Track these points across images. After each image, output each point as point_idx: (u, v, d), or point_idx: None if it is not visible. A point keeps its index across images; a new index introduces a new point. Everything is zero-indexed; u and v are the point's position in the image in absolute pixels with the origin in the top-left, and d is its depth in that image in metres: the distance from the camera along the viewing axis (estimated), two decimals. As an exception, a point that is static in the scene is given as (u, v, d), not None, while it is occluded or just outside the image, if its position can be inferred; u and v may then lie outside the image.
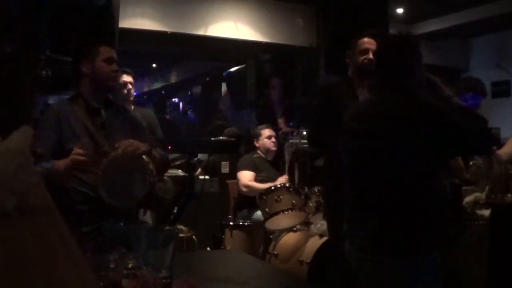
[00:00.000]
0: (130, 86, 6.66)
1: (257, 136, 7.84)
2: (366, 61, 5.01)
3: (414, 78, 3.72)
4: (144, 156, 3.82)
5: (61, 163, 3.65)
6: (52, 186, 3.58)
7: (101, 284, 2.21)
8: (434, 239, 3.55)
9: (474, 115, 3.80)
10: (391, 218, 3.51)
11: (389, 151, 3.55)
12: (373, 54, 4.74)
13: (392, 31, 9.50)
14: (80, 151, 3.66)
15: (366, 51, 5.06)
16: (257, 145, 7.82)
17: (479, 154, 4.54)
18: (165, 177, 5.31)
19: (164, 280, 2.13)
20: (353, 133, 3.79)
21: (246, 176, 7.47)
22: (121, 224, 2.64)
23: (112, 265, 2.29)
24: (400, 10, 11.47)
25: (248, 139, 8.58)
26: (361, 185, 3.73)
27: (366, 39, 5.13)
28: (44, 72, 4.29)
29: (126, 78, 6.66)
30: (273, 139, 7.81)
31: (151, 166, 3.83)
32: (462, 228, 5.94)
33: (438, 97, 3.95)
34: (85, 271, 1.24)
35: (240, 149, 8.28)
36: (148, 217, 5.83)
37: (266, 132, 7.81)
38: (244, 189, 7.41)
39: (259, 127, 8.07)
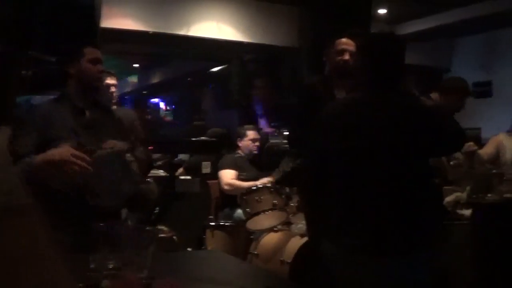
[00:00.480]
0: (113, 89, 6.65)
1: (242, 136, 7.82)
2: (341, 62, 4.99)
3: (399, 76, 3.78)
4: (128, 155, 3.83)
5: (39, 158, 3.64)
6: (35, 186, 3.60)
7: (82, 284, 2.21)
8: (427, 237, 3.56)
9: (458, 126, 3.83)
10: (383, 218, 3.52)
11: (384, 150, 3.56)
12: (350, 55, 4.81)
13: (374, 31, 9.53)
14: (80, 154, 3.66)
15: (342, 51, 5.02)
16: (239, 144, 7.80)
17: (448, 154, 4.57)
18: (147, 179, 5.30)
19: (145, 281, 2.13)
20: (342, 132, 3.75)
21: (228, 175, 7.46)
22: (102, 224, 2.65)
23: (92, 266, 2.29)
24: (383, 11, 11.50)
25: (230, 139, 8.58)
26: (352, 185, 3.69)
27: (344, 40, 5.10)
28: (26, 71, 4.29)
29: (110, 80, 6.65)
30: (257, 143, 7.80)
31: (135, 166, 3.84)
32: (444, 228, 5.97)
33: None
34: (63, 273, 1.24)
35: (223, 150, 8.28)
36: (129, 217, 5.83)
37: (251, 134, 7.79)
38: (226, 187, 7.39)
39: (246, 127, 8.02)
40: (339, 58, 5.02)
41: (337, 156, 3.77)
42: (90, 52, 4.16)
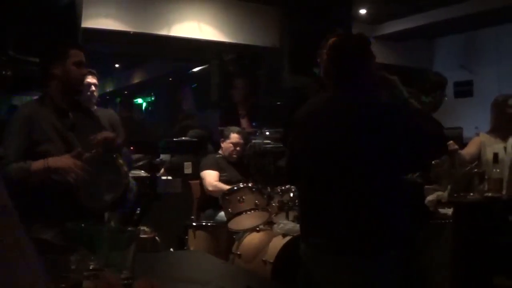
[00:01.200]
0: (93, 88, 6.62)
1: (225, 137, 7.77)
2: None
3: (366, 77, 3.75)
4: (115, 156, 3.85)
5: (39, 165, 3.70)
6: (19, 187, 3.62)
7: (63, 285, 2.20)
8: (394, 238, 3.57)
9: (430, 118, 3.82)
10: (349, 217, 3.54)
11: (343, 151, 3.58)
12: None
13: (355, 31, 9.54)
14: (82, 165, 3.71)
15: None
16: (222, 145, 7.78)
17: (432, 159, 4.56)
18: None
19: (125, 281, 2.12)
20: (309, 133, 3.81)
21: (211, 176, 7.43)
22: (83, 225, 2.63)
23: (73, 266, 2.28)
24: (363, 11, 11.52)
25: (210, 140, 8.57)
26: (319, 186, 3.73)
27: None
28: (5, 72, 4.28)
29: (91, 79, 6.62)
30: (238, 148, 7.74)
31: (125, 167, 3.86)
32: (424, 227, 5.98)
33: (395, 97, 3.95)
34: (38, 275, 1.23)
35: (207, 149, 8.27)
36: (111, 218, 5.81)
37: (235, 137, 7.71)
38: (210, 188, 7.36)
39: (231, 128, 7.92)
40: None
41: (303, 157, 3.84)
42: (75, 55, 4.17)
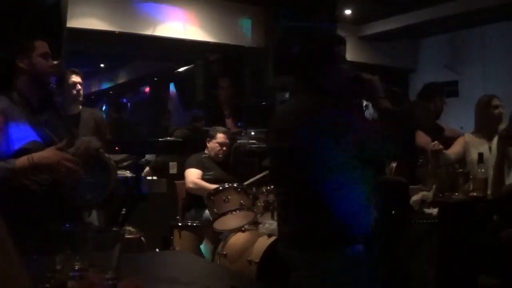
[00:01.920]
0: (79, 87, 6.61)
1: (211, 137, 7.77)
2: None
3: (329, 79, 3.79)
4: (101, 150, 3.82)
5: (24, 162, 3.61)
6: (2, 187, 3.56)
7: (48, 285, 2.20)
8: (352, 235, 3.64)
9: (401, 118, 3.81)
10: (308, 214, 3.66)
11: (300, 150, 3.67)
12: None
13: (340, 32, 9.56)
14: (73, 158, 3.65)
15: None
16: (207, 144, 7.78)
17: (400, 161, 4.59)
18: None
19: (110, 282, 2.12)
20: (272, 133, 3.98)
21: (193, 174, 7.44)
22: (67, 225, 2.62)
23: (58, 267, 2.28)
24: (348, 11, 11.52)
25: (195, 139, 8.56)
26: (282, 184, 3.90)
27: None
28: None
29: (75, 78, 6.60)
30: (224, 148, 7.74)
31: (113, 162, 3.84)
32: (409, 226, 6.01)
33: (369, 96, 3.96)
34: (21, 275, 1.23)
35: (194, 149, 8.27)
36: (94, 218, 5.80)
37: (220, 137, 7.72)
38: (190, 186, 7.37)
39: (217, 128, 7.93)
40: None
41: (269, 157, 4.16)
42: (41, 46, 4.06)
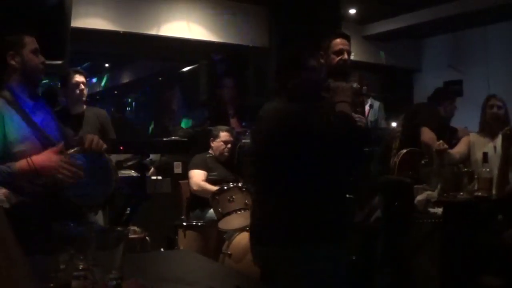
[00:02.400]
0: (82, 86, 6.61)
1: (215, 136, 7.78)
2: (341, 61, 5.17)
3: (299, 85, 4.11)
4: (106, 154, 3.80)
5: (23, 165, 3.57)
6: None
7: (52, 285, 2.20)
8: (319, 231, 3.90)
9: (352, 127, 4.04)
10: (275, 210, 3.99)
11: (269, 150, 4.09)
12: (347, 54, 5.10)
13: (344, 31, 9.55)
14: (72, 168, 3.63)
15: (341, 51, 5.22)
16: (211, 144, 7.78)
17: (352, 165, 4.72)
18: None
19: (114, 281, 2.12)
20: (253, 136, 4.54)
21: (198, 175, 7.44)
22: (71, 225, 2.62)
23: (62, 266, 2.28)
24: (352, 11, 11.51)
25: (200, 139, 8.56)
26: (256, 182, 4.40)
27: (339, 40, 5.28)
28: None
29: (79, 78, 6.61)
30: (229, 146, 7.75)
31: (113, 162, 3.82)
32: (414, 226, 6.01)
33: (332, 100, 4.22)
34: (22, 273, 1.23)
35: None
36: (99, 218, 5.80)
37: (224, 136, 7.74)
38: (195, 188, 7.38)
39: (219, 127, 7.96)
40: (339, 57, 5.19)
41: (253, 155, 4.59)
42: (31, 42, 3.93)
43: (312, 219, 3.89)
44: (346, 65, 5.23)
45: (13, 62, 3.86)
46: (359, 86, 4.37)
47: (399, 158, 6.62)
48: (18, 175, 3.51)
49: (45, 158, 3.59)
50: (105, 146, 3.78)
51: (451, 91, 7.59)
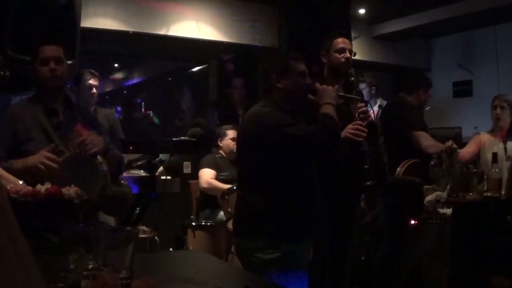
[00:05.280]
0: (94, 90, 6.67)
1: (222, 136, 7.83)
2: (343, 59, 5.21)
3: (280, 89, 4.43)
4: (98, 157, 3.79)
5: (18, 164, 3.65)
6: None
7: (61, 285, 2.20)
8: (281, 229, 4.24)
9: (330, 125, 4.25)
10: (242, 205, 4.48)
11: (245, 150, 4.50)
12: (350, 53, 5.15)
13: (354, 31, 9.56)
14: (52, 156, 3.66)
15: (343, 50, 5.25)
16: (220, 144, 7.81)
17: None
18: (122, 181, 5.22)
19: (124, 281, 2.12)
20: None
21: (207, 174, 7.46)
22: (81, 224, 2.63)
23: (71, 266, 2.28)
24: (362, 11, 11.49)
25: (210, 139, 8.58)
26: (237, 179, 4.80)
27: (340, 39, 5.32)
28: (2, 72, 4.21)
29: (92, 81, 6.67)
30: None
31: (104, 167, 3.80)
32: (423, 226, 6.00)
33: (318, 102, 4.47)
34: (34, 275, 1.23)
35: (209, 149, 8.29)
36: (109, 218, 5.80)
37: (231, 133, 7.77)
38: (204, 186, 7.40)
39: (224, 127, 8.03)
40: (341, 56, 5.22)
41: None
42: (42, 52, 4.08)
43: (277, 214, 4.23)
44: (348, 63, 5.27)
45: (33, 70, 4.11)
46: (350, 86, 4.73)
47: (403, 169, 6.54)
48: (15, 172, 3.61)
49: (34, 157, 3.69)
50: (95, 149, 3.78)
51: (425, 79, 7.38)
